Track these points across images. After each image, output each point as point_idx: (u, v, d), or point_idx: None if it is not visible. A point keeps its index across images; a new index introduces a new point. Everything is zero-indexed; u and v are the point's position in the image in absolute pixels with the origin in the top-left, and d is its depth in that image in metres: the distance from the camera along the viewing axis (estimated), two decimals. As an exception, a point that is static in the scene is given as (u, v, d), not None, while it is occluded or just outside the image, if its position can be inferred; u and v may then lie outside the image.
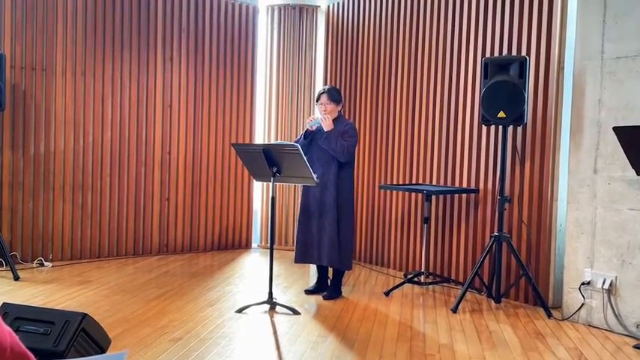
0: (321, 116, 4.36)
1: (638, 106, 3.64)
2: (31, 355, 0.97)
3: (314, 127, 4.41)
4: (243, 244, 6.50)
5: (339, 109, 4.49)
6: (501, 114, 4.16)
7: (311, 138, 4.45)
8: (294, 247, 4.55)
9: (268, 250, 4.26)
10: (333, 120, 4.37)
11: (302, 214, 4.51)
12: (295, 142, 4.56)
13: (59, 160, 5.41)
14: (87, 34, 5.51)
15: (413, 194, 5.33)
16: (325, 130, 4.31)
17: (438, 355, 3.24)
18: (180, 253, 6.10)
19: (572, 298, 3.99)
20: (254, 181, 6.31)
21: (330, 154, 4.35)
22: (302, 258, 4.50)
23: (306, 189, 4.49)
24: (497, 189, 4.55)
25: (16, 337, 0.96)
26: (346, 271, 4.63)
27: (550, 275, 4.31)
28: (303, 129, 6.29)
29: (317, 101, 4.49)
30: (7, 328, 0.96)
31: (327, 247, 4.35)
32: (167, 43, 5.94)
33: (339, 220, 4.37)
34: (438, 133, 5.14)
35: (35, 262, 5.26)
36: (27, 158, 5.26)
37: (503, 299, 4.42)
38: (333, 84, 6.13)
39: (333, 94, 4.45)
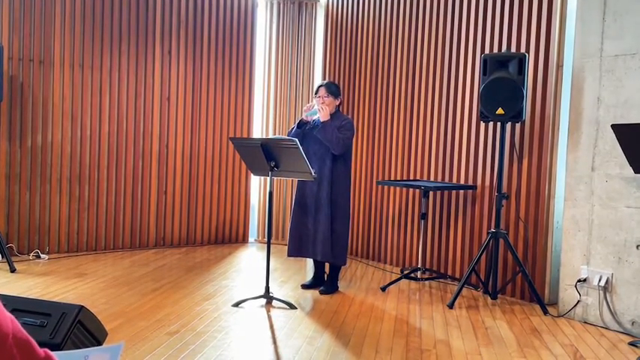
0: (318, 106, 4.35)
1: (637, 104, 3.65)
2: (34, 341, 0.97)
3: (309, 118, 4.40)
4: (240, 239, 6.49)
5: (337, 103, 4.48)
6: (500, 111, 4.16)
7: (303, 132, 4.43)
8: (288, 241, 4.55)
9: (265, 245, 4.26)
10: (331, 115, 4.36)
11: (297, 208, 4.50)
12: (289, 132, 4.55)
13: (56, 153, 5.40)
14: (85, 27, 5.49)
15: (410, 190, 5.34)
16: (321, 119, 4.30)
17: (434, 351, 3.24)
18: (177, 246, 6.09)
19: (568, 295, 4.00)
20: (251, 175, 6.31)
21: (326, 149, 4.34)
22: (296, 252, 4.50)
23: (302, 183, 4.49)
24: (494, 185, 4.55)
25: (18, 324, 0.95)
26: (342, 267, 4.64)
27: (546, 272, 4.32)
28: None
29: (315, 94, 4.49)
30: (9, 315, 0.95)
31: (321, 243, 4.35)
32: (165, 37, 5.92)
33: (333, 216, 4.37)
34: (436, 129, 5.14)
35: (32, 254, 5.25)
36: (24, 150, 5.25)
37: (499, 295, 4.43)
38: (331, 79, 6.12)
39: (332, 88, 4.44)
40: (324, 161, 4.38)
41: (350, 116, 5.68)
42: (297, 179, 4.49)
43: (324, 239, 4.34)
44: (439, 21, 5.15)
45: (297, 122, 4.52)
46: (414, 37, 5.37)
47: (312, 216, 4.41)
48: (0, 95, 4.69)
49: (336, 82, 5.84)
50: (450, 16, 5.05)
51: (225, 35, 6.27)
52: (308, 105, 4.50)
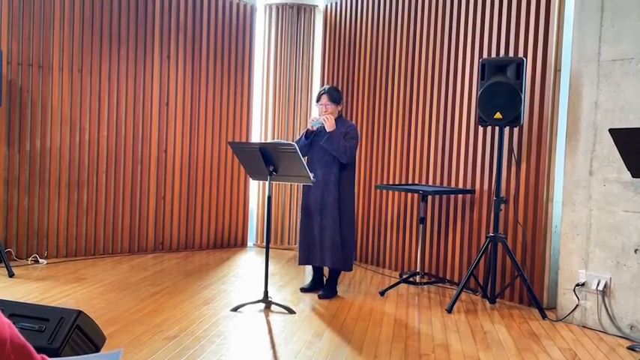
0: (323, 117, 4.35)
1: (635, 109, 3.66)
2: (30, 347, 0.97)
3: (315, 128, 4.40)
4: (239, 243, 6.49)
5: (339, 109, 4.48)
6: (498, 115, 4.17)
7: (311, 139, 4.44)
8: (298, 249, 4.55)
9: (264, 249, 4.26)
10: (334, 120, 4.36)
11: (303, 215, 4.51)
12: (296, 142, 4.54)
13: (55, 157, 5.40)
14: (84, 31, 5.50)
15: (409, 194, 5.34)
16: (328, 130, 4.30)
17: (433, 355, 3.24)
18: (175, 251, 6.09)
19: (566, 299, 4.00)
20: (250, 179, 6.31)
21: (331, 156, 4.34)
22: (306, 260, 4.51)
23: (307, 190, 4.49)
24: (493, 190, 4.56)
25: (15, 329, 0.95)
26: (343, 272, 4.63)
27: (545, 276, 4.32)
28: (300, 128, 6.31)
29: (317, 101, 4.49)
30: (6, 320, 0.95)
31: (329, 249, 4.35)
32: (164, 41, 5.93)
33: (341, 221, 4.37)
34: (435, 134, 5.15)
35: (30, 259, 5.25)
36: (23, 154, 5.25)
37: (498, 300, 4.43)
38: (330, 83, 6.13)
39: (333, 95, 4.44)
40: (328, 168, 4.38)
41: (352, 121, 5.68)
42: (300, 185, 4.49)
43: (331, 246, 4.34)
44: (437, 25, 5.16)
45: (303, 133, 4.51)
46: (412, 42, 5.38)
47: (318, 222, 4.41)
48: (-1, 100, 4.69)
49: (335, 86, 5.85)
50: (448, 21, 5.06)
51: (224, 40, 6.29)
52: (313, 117, 4.51)
